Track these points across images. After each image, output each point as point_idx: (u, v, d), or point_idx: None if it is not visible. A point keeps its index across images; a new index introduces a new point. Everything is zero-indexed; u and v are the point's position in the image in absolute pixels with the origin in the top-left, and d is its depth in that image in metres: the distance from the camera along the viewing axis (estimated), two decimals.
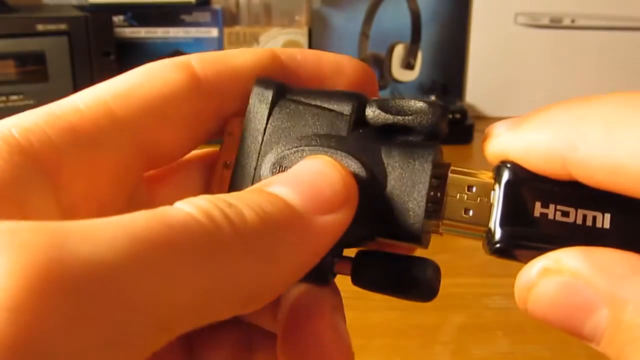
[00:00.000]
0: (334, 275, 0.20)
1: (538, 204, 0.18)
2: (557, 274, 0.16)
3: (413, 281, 0.19)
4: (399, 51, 0.86)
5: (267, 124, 0.20)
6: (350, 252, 0.20)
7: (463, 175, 0.19)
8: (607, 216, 0.17)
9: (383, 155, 0.19)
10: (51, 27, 0.69)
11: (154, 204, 0.19)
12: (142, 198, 0.20)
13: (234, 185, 0.20)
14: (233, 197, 0.15)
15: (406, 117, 0.19)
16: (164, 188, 0.21)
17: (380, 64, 0.86)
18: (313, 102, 0.20)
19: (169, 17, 0.87)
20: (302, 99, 0.20)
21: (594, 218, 0.17)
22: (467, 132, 0.77)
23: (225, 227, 0.14)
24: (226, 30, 0.87)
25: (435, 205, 0.19)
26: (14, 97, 0.69)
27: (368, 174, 0.19)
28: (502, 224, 0.18)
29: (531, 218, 0.18)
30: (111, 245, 0.12)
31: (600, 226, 0.17)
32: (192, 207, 0.14)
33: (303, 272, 0.16)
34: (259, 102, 0.20)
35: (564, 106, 0.17)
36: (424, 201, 0.18)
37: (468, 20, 0.85)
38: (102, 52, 0.71)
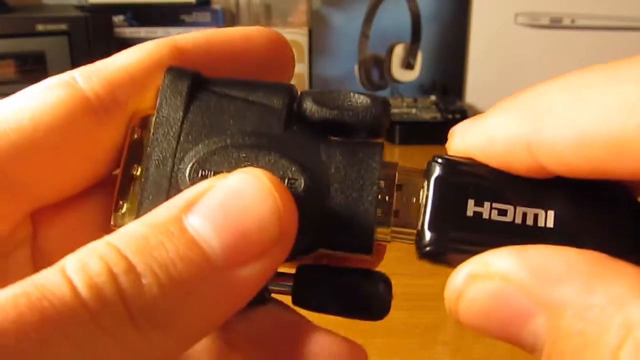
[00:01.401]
0: (270, 294, 0.18)
1: (471, 202, 0.16)
2: (486, 280, 0.14)
3: (363, 299, 0.17)
4: (399, 51, 0.86)
5: (183, 120, 0.17)
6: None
7: (406, 174, 0.17)
8: (551, 213, 0.16)
9: (323, 155, 0.17)
10: (51, 27, 0.69)
11: (41, 248, 0.17)
12: (23, 240, 0.17)
13: (145, 199, 0.17)
14: (137, 251, 0.13)
15: (346, 112, 0.17)
16: (57, 225, 0.18)
17: (380, 64, 0.86)
18: (237, 95, 0.17)
19: (169, 17, 0.87)
20: (225, 91, 0.17)
21: (536, 216, 0.16)
22: None
23: (115, 308, 0.13)
24: None
25: (385, 210, 0.17)
26: None
27: (308, 178, 0.16)
28: (431, 226, 0.16)
29: (464, 218, 0.16)
30: None
31: (543, 225, 0.15)
32: (80, 278, 0.13)
33: (214, 330, 0.15)
34: (172, 96, 0.17)
35: (525, 90, 0.15)
36: (374, 206, 0.16)
37: (468, 20, 0.85)
38: (102, 52, 0.71)
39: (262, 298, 0.17)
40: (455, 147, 0.17)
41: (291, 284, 0.17)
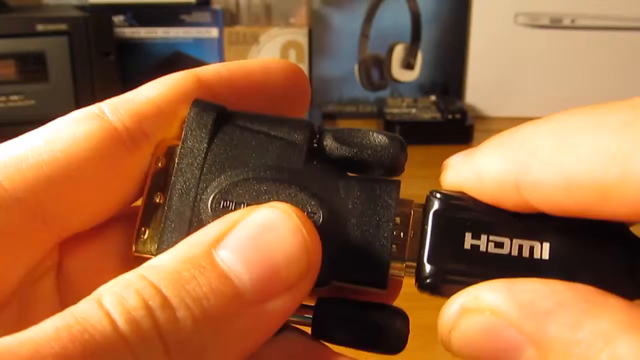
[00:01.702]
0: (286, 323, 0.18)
1: (468, 235, 0.16)
2: (477, 313, 0.15)
3: (381, 333, 0.18)
4: (399, 51, 0.86)
5: (207, 152, 0.17)
6: None
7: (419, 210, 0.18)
8: (546, 245, 0.16)
9: (342, 191, 0.17)
10: (51, 27, 0.69)
11: (65, 276, 0.18)
12: (50, 268, 0.18)
13: (167, 227, 0.17)
14: (171, 286, 0.14)
15: (365, 151, 0.18)
16: (82, 253, 0.18)
17: (380, 64, 0.86)
18: (260, 129, 0.18)
19: (169, 17, 0.87)
20: (248, 125, 0.18)
21: (532, 248, 0.16)
22: (467, 132, 0.77)
23: (152, 341, 0.13)
24: (226, 30, 0.87)
25: (399, 247, 0.17)
26: (14, 97, 0.69)
27: (326, 212, 0.17)
28: (430, 259, 0.17)
29: (462, 251, 0.16)
30: None
31: (539, 257, 0.16)
32: (118, 312, 0.13)
33: (245, 357, 0.15)
34: (198, 128, 0.17)
35: (515, 129, 0.16)
36: (390, 242, 0.17)
37: (468, 20, 0.85)
38: (102, 52, 0.71)
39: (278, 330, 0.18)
40: (449, 182, 0.17)
41: (310, 316, 0.17)
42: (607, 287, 0.14)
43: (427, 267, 0.17)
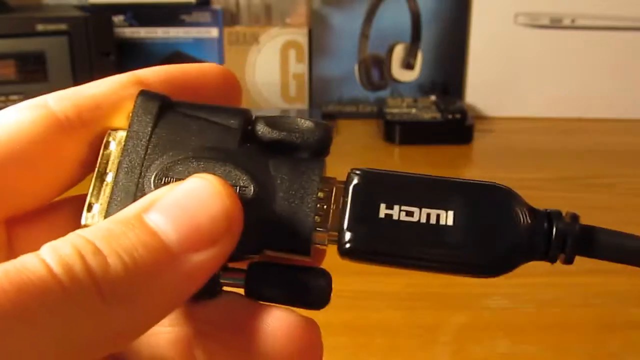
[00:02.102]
0: (222, 287, 0.20)
1: (383, 206, 0.19)
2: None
3: (306, 290, 0.19)
4: (399, 51, 0.86)
5: (151, 135, 0.19)
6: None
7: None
8: (450, 213, 0.19)
9: (271, 169, 0.19)
10: (51, 27, 0.69)
11: (16, 247, 0.20)
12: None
13: (113, 201, 0.19)
14: (104, 239, 0.15)
15: (293, 135, 0.20)
16: (30, 233, 0.20)
17: (380, 64, 0.86)
18: (200, 115, 0.20)
19: (169, 17, 0.87)
20: (189, 112, 0.20)
21: (438, 216, 0.19)
22: (467, 132, 0.77)
23: (85, 283, 0.15)
24: (226, 30, 0.87)
25: (323, 218, 0.19)
26: (14, 97, 0.69)
27: (256, 186, 0.19)
28: (349, 227, 0.19)
29: (377, 219, 0.19)
30: None
31: (444, 223, 0.18)
32: (53, 259, 0.15)
33: (174, 308, 0.17)
34: (143, 114, 0.20)
35: None
36: (313, 213, 0.19)
37: (468, 20, 0.85)
38: (102, 52, 0.71)
39: (214, 291, 0.19)
40: None
41: (243, 278, 0.19)
42: (521, 251, 0.18)
43: (347, 235, 0.19)
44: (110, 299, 0.15)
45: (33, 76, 0.69)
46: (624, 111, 0.87)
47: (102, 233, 0.16)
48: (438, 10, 0.85)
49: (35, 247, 0.18)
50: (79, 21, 0.70)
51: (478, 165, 0.76)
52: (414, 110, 0.80)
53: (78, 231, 0.16)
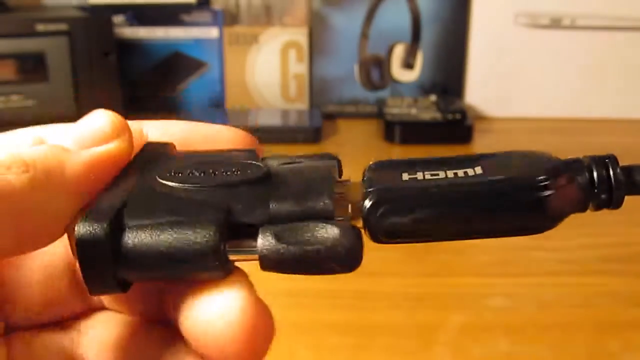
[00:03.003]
0: (230, 263, 0.18)
1: (405, 174, 0.18)
2: None
3: (336, 249, 0.17)
4: (399, 51, 0.86)
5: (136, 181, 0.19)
6: None
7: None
8: (478, 168, 0.18)
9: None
10: (51, 27, 0.69)
11: None
12: None
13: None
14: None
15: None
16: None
17: (380, 64, 0.86)
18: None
19: (169, 17, 0.87)
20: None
21: (465, 172, 0.18)
22: (467, 132, 0.77)
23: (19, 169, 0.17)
24: (226, 30, 0.87)
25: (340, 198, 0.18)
26: (14, 97, 0.69)
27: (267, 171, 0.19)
28: (375, 189, 0.17)
29: (401, 181, 0.18)
30: None
31: (474, 174, 0.17)
32: None
33: (81, 195, 0.18)
34: (135, 163, 0.20)
35: None
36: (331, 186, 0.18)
37: (468, 20, 0.85)
38: (102, 52, 0.71)
39: (228, 269, 0.18)
40: None
41: (255, 248, 0.17)
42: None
43: (375, 195, 0.17)
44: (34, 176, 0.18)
45: (33, 76, 0.69)
46: (624, 111, 0.87)
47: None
48: (438, 10, 0.85)
49: None
50: (79, 21, 0.70)
51: None
52: (414, 110, 0.80)
53: None
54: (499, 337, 0.41)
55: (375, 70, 0.87)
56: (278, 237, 0.17)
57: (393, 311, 0.44)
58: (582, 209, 0.18)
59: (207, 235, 0.17)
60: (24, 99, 0.69)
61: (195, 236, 0.17)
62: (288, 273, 0.17)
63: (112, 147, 0.19)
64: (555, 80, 0.87)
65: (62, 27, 0.69)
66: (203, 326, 0.17)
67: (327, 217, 0.17)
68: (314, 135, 0.77)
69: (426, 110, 0.80)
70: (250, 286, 0.18)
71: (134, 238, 0.17)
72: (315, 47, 0.87)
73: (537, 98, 0.87)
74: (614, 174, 0.17)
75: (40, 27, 0.68)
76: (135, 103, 0.89)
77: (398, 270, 0.49)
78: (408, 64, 0.86)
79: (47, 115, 0.70)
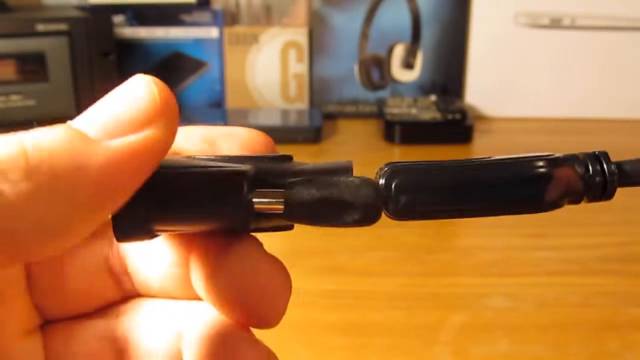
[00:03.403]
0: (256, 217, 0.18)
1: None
2: None
3: (354, 203, 0.18)
4: (399, 51, 0.86)
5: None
6: None
7: None
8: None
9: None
10: (51, 27, 0.69)
11: None
12: None
13: None
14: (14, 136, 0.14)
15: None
16: None
17: (380, 64, 0.86)
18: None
19: (169, 17, 0.87)
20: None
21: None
22: (467, 132, 0.77)
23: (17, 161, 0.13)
24: (226, 30, 0.87)
25: None
26: (14, 97, 0.69)
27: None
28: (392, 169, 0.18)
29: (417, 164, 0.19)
30: None
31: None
32: None
33: (103, 201, 0.14)
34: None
35: None
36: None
37: (468, 20, 0.85)
38: (102, 52, 0.71)
39: (245, 225, 0.18)
40: None
41: (281, 198, 0.18)
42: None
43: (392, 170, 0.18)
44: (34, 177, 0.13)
45: (33, 76, 0.69)
46: (624, 111, 0.87)
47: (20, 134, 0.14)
48: (438, 10, 0.85)
49: None
50: (79, 21, 0.70)
51: None
52: (414, 110, 0.80)
53: None
54: (499, 337, 0.41)
55: (375, 70, 0.87)
56: (304, 185, 0.18)
57: (393, 311, 0.44)
58: (578, 199, 0.19)
59: (236, 179, 0.17)
60: (24, 99, 0.69)
61: (225, 179, 0.17)
62: (309, 222, 0.18)
63: (150, 135, 0.15)
64: (555, 80, 0.87)
65: (62, 27, 0.69)
66: (226, 286, 0.18)
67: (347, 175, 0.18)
68: (314, 135, 0.77)
69: (426, 110, 0.80)
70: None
71: (166, 180, 0.17)
72: (315, 47, 0.87)
73: (537, 98, 0.87)
74: (607, 165, 0.19)
75: (40, 27, 0.68)
76: None
77: (398, 270, 0.49)
78: (408, 64, 0.86)
79: (47, 115, 0.70)
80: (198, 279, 0.19)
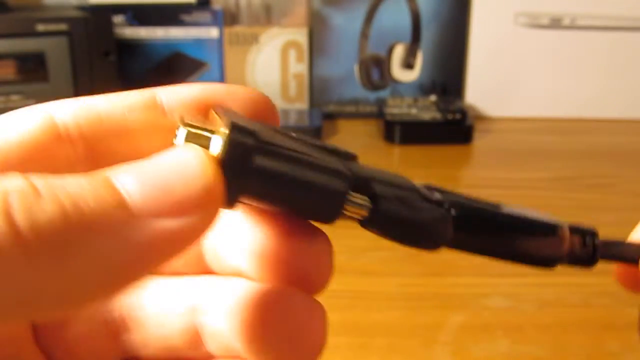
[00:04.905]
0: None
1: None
2: None
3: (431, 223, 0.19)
4: (399, 51, 0.86)
5: None
6: None
7: None
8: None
9: None
10: (51, 27, 0.69)
11: None
12: None
13: None
14: (49, 183, 0.13)
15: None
16: None
17: (380, 64, 0.86)
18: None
19: (169, 17, 0.87)
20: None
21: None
22: (467, 132, 0.77)
23: (5, 233, 0.12)
24: (226, 30, 0.87)
25: None
26: (14, 97, 0.69)
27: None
28: None
29: None
30: None
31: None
32: None
33: (130, 279, 0.14)
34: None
35: None
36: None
37: (468, 20, 0.85)
38: (102, 52, 0.71)
39: (332, 218, 0.18)
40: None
41: (368, 202, 0.18)
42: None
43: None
44: (35, 250, 0.12)
45: (33, 76, 0.69)
46: (624, 111, 0.87)
47: (53, 178, 0.13)
48: (438, 10, 0.85)
49: None
50: (79, 21, 0.70)
51: (478, 165, 0.76)
52: (414, 110, 0.80)
53: (16, 178, 0.13)
54: (499, 337, 0.41)
55: (375, 70, 0.87)
56: (393, 202, 0.18)
57: (393, 311, 0.44)
58: (557, 264, 0.22)
59: (339, 178, 0.17)
60: (24, 99, 0.69)
61: (328, 175, 0.17)
62: (381, 234, 0.19)
63: (197, 221, 0.14)
64: (555, 80, 0.87)
65: (62, 27, 0.69)
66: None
67: (420, 194, 0.19)
68: (314, 135, 0.77)
69: (426, 110, 0.80)
70: None
71: (271, 155, 0.16)
72: (315, 47, 0.87)
73: (537, 98, 0.87)
74: (594, 245, 0.22)
75: (40, 27, 0.68)
76: None
77: (398, 270, 0.49)
78: (408, 64, 0.86)
79: None
80: (260, 252, 0.19)
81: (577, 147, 0.78)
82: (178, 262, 0.20)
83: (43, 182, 0.13)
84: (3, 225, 0.12)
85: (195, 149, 0.15)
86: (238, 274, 0.20)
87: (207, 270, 0.20)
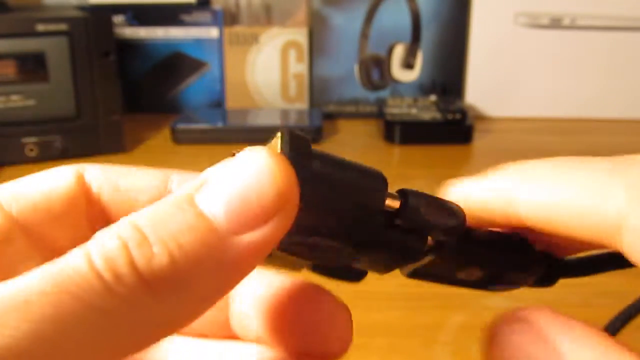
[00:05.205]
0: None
1: None
2: None
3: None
4: (399, 51, 0.86)
5: None
6: None
7: None
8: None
9: None
10: (51, 27, 0.69)
11: None
12: None
13: None
14: (152, 226, 0.15)
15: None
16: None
17: (380, 64, 0.87)
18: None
19: (169, 17, 0.87)
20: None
21: None
22: (467, 132, 0.77)
23: (129, 278, 0.14)
24: (226, 30, 0.87)
25: None
26: (14, 97, 0.69)
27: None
28: None
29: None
30: (12, 335, 0.13)
31: None
32: (98, 253, 0.14)
33: (226, 291, 0.16)
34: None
35: (519, 162, 0.20)
36: None
37: (468, 20, 0.85)
38: (102, 52, 0.71)
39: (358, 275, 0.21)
40: (456, 193, 0.21)
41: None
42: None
43: None
44: (157, 290, 0.14)
45: (33, 76, 0.69)
46: (624, 111, 0.87)
47: (152, 217, 0.15)
48: (438, 10, 0.85)
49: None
50: (79, 21, 0.70)
51: (478, 165, 0.76)
52: (414, 110, 0.80)
53: (130, 216, 0.15)
54: None
55: (375, 70, 0.87)
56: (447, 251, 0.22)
57: (393, 311, 0.44)
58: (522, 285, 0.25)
59: (379, 177, 0.18)
60: (24, 99, 0.69)
61: (370, 175, 0.18)
62: (435, 281, 0.23)
63: (277, 226, 0.15)
64: (555, 80, 0.87)
65: (62, 27, 0.69)
66: None
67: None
68: (314, 135, 0.77)
69: (426, 110, 0.80)
70: None
71: (321, 163, 0.17)
72: (315, 47, 0.87)
73: (537, 98, 0.87)
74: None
75: (40, 27, 0.68)
76: (135, 103, 0.89)
77: (398, 270, 0.49)
78: (408, 64, 0.86)
79: (47, 115, 0.70)
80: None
81: (577, 147, 0.78)
82: (205, 324, 0.21)
83: (148, 226, 0.15)
84: (132, 275, 0.14)
85: (259, 151, 0.16)
86: (258, 342, 0.21)
87: (231, 335, 0.21)
